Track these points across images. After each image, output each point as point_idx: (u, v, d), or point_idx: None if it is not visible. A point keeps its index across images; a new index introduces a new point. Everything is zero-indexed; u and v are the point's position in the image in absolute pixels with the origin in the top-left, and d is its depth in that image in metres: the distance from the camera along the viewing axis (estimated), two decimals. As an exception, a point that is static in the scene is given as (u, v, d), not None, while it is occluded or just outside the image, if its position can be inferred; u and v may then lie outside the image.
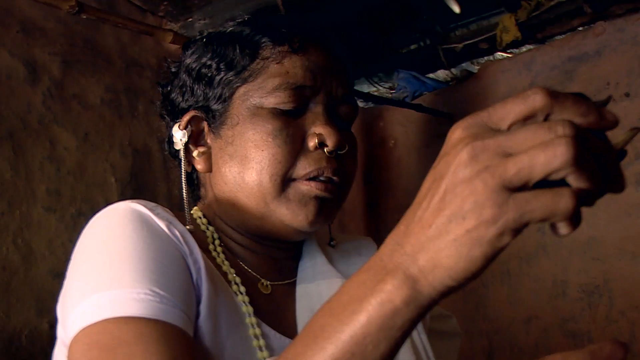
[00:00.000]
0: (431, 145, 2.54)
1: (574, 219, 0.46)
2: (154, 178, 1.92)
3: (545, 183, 0.45)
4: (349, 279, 0.55)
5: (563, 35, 2.29)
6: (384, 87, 2.90)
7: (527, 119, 0.48)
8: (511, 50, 2.45)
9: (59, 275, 1.55)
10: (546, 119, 0.48)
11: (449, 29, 2.56)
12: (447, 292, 0.50)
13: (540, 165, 0.44)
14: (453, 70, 2.69)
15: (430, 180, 0.51)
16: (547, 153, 0.44)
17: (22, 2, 1.60)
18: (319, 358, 0.52)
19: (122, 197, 1.79)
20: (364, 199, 2.72)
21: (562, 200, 0.44)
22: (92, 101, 1.77)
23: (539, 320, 2.17)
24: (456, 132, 0.50)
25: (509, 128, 0.48)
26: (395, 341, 0.51)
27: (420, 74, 2.68)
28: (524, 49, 2.44)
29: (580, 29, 2.24)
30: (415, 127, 2.61)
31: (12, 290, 1.44)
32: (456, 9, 2.33)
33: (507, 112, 0.49)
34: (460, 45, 2.48)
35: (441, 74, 2.79)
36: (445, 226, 0.48)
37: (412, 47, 2.71)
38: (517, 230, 0.46)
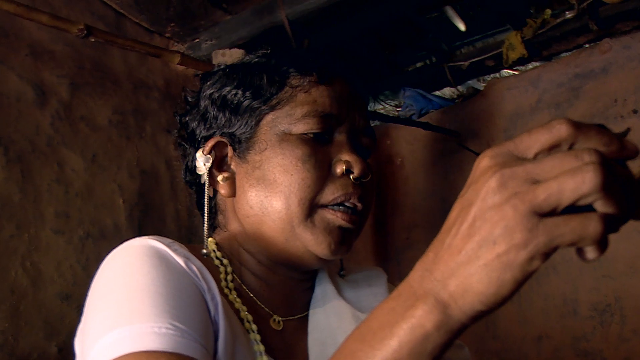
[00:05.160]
0: (438, 163, 2.53)
1: (602, 244, 0.47)
2: (161, 199, 1.92)
3: (572, 209, 0.46)
4: (377, 307, 0.56)
5: (569, 53, 2.30)
6: (390, 105, 2.91)
7: (552, 149, 0.50)
8: (517, 67, 2.46)
9: (68, 298, 1.54)
10: (570, 148, 0.49)
11: (455, 47, 2.57)
12: (478, 317, 0.51)
13: (570, 190, 0.45)
14: (459, 87, 2.70)
15: (459, 209, 0.52)
16: (576, 179, 0.45)
17: (30, 25, 1.61)
18: None
19: (130, 219, 1.79)
20: (371, 216, 2.70)
21: (591, 225, 0.46)
22: (100, 123, 1.78)
23: (550, 339, 2.15)
24: (483, 161, 0.51)
25: (535, 157, 0.50)
26: None
27: (427, 91, 2.68)
28: (530, 66, 2.44)
29: (587, 46, 2.25)
30: (422, 145, 2.61)
31: (20, 314, 1.44)
32: (462, 26, 2.35)
33: (533, 141, 0.50)
34: (466, 63, 2.49)
35: (447, 92, 2.80)
36: (475, 252, 0.49)
37: (418, 65, 2.72)
38: (547, 254, 0.47)
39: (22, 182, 1.52)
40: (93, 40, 1.52)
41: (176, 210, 1.96)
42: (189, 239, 1.95)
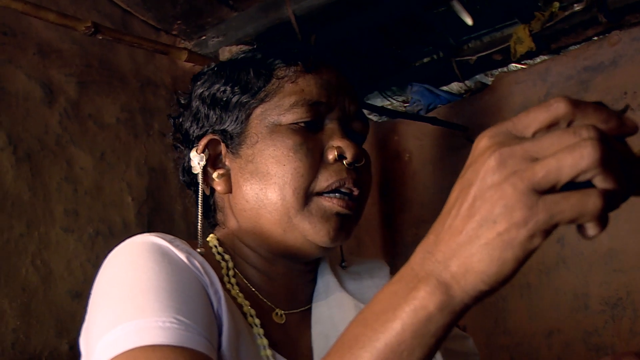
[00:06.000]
0: (446, 158, 2.53)
1: (602, 220, 0.47)
2: (170, 196, 1.93)
3: (571, 186, 0.46)
4: (380, 291, 0.56)
5: (578, 46, 2.29)
6: (398, 101, 2.90)
7: (550, 127, 0.49)
8: (525, 61, 2.45)
9: (78, 296, 1.55)
10: (568, 126, 0.49)
11: (462, 42, 2.56)
12: (480, 297, 0.51)
13: (568, 167, 0.45)
14: (467, 82, 2.69)
15: (458, 189, 0.52)
16: (574, 155, 0.45)
17: (38, 24, 1.61)
18: None
19: (139, 216, 1.80)
20: (379, 212, 2.70)
21: (591, 201, 0.45)
22: (108, 121, 1.78)
23: (561, 334, 2.14)
24: (482, 141, 0.51)
25: (533, 136, 0.50)
26: (429, 348, 0.52)
27: (434, 86, 2.67)
28: (538, 59, 2.43)
29: (595, 38, 2.23)
30: (430, 140, 2.60)
31: (31, 312, 1.44)
32: (469, 21, 2.33)
33: (531, 120, 0.50)
34: (474, 58, 2.48)
35: (455, 87, 2.79)
36: (475, 231, 0.49)
37: (425, 60, 2.71)
38: (547, 231, 0.47)
39: (31, 180, 1.53)
40: (100, 37, 1.52)
41: (184, 208, 1.96)
42: (197, 236, 1.94)
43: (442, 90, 2.70)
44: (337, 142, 0.89)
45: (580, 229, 0.48)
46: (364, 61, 2.56)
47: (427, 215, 2.54)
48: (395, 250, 2.63)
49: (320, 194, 0.87)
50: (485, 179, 0.49)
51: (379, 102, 2.89)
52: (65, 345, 1.50)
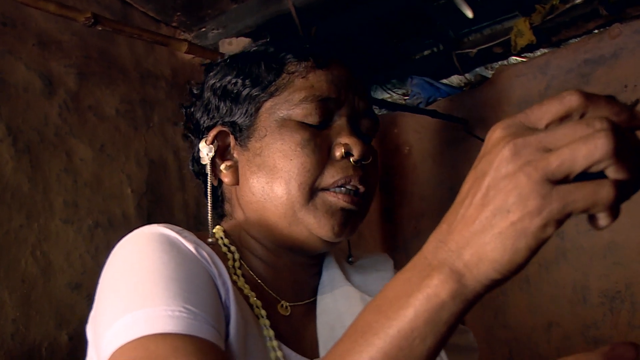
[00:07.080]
0: (446, 151, 2.52)
1: (614, 210, 0.48)
2: (170, 189, 1.92)
3: (584, 177, 0.47)
4: (392, 279, 0.57)
5: (578, 38, 2.27)
6: (398, 94, 2.89)
7: (562, 119, 0.50)
8: (526, 54, 2.44)
9: (78, 287, 1.55)
10: (580, 119, 0.50)
11: (463, 34, 2.55)
12: (492, 286, 0.52)
13: (582, 157, 0.46)
14: (467, 75, 2.68)
15: (472, 180, 0.52)
16: (588, 145, 0.46)
17: (38, 15, 1.60)
18: (368, 353, 0.54)
19: (139, 208, 1.80)
20: (379, 206, 2.70)
21: (604, 191, 0.46)
22: (108, 113, 1.78)
23: (560, 327, 2.14)
24: (496, 132, 0.52)
25: (546, 127, 0.50)
26: (441, 336, 0.53)
27: (434, 79, 2.66)
28: (538, 52, 2.42)
29: (596, 31, 2.22)
30: (429, 133, 2.60)
31: (31, 303, 1.45)
32: (469, 14, 2.32)
33: (544, 112, 0.51)
34: (474, 50, 2.46)
35: (455, 80, 2.78)
36: (489, 220, 0.49)
37: (426, 53, 2.70)
38: (560, 221, 0.47)
39: (31, 172, 1.52)
40: (100, 29, 1.51)
41: (184, 200, 1.96)
42: (197, 228, 1.95)
43: (442, 83, 2.69)
44: (345, 139, 0.89)
45: (592, 219, 0.49)
46: (364, 54, 2.55)
47: (427, 208, 2.54)
48: (395, 243, 2.63)
49: (325, 189, 0.88)
50: (500, 168, 0.49)
51: (379, 94, 2.88)
52: (65, 336, 1.50)
